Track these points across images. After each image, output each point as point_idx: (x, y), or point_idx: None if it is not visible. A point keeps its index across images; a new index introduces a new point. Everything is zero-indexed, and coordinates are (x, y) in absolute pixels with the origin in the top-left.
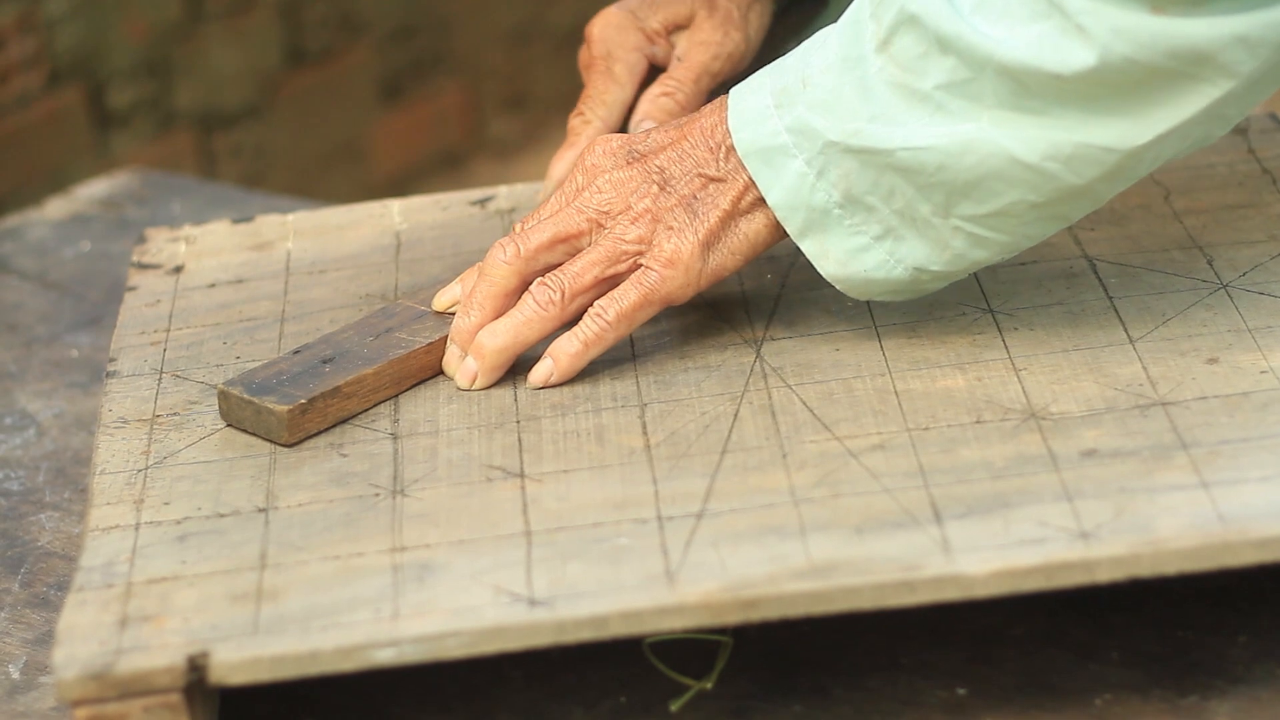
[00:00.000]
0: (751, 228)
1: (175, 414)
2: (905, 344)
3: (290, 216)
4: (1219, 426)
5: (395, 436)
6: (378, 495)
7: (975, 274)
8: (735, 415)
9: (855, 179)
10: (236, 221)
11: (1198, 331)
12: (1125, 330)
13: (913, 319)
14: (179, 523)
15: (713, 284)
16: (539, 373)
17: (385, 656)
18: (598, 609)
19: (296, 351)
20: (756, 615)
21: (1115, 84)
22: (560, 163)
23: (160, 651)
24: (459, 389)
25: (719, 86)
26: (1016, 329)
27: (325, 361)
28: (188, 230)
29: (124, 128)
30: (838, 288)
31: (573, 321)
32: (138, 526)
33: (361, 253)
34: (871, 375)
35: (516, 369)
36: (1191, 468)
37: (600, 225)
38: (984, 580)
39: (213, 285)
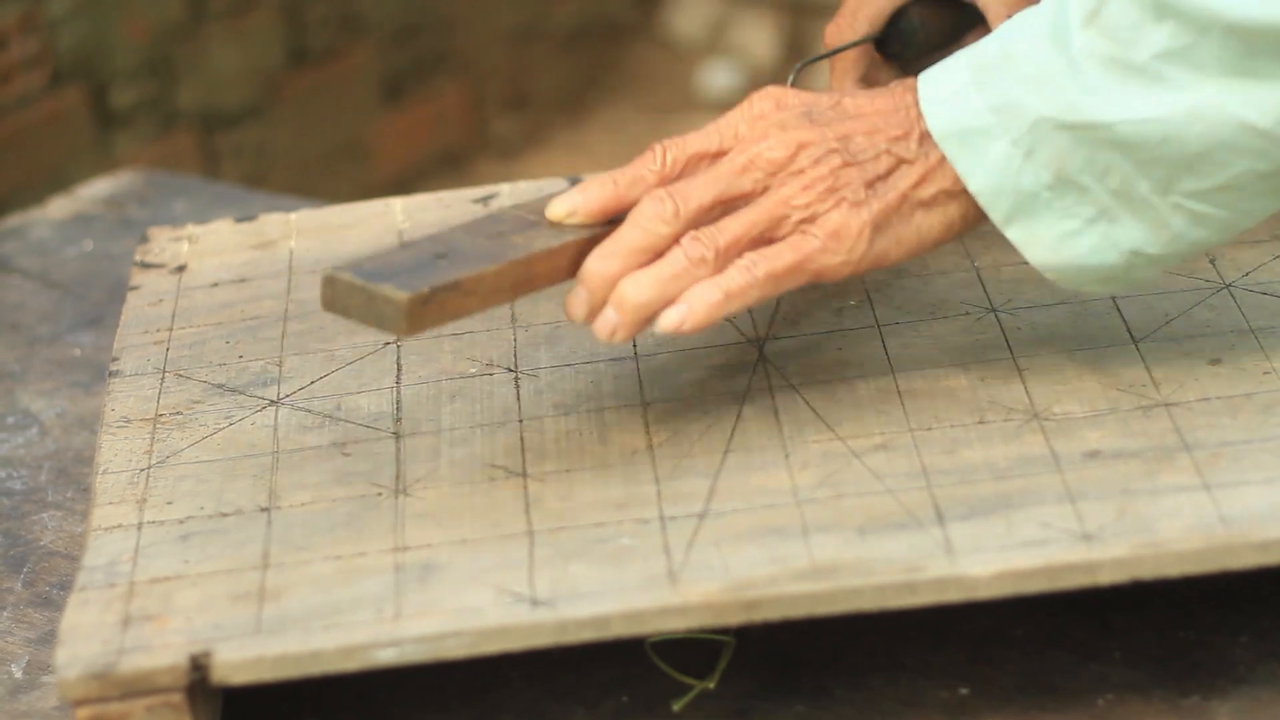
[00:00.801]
0: (928, 221)
1: (178, 413)
2: (908, 344)
3: (293, 215)
4: (1222, 428)
5: (398, 435)
6: (380, 495)
7: (978, 273)
8: (738, 415)
9: (1068, 157)
10: (239, 220)
11: (1201, 332)
12: (1128, 330)
13: (916, 319)
14: (181, 522)
15: (871, 270)
16: (671, 318)
17: (387, 656)
18: (600, 609)
19: (403, 246)
20: (759, 616)
21: None
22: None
23: (162, 651)
24: (597, 338)
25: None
26: (1019, 329)
27: (439, 256)
28: (190, 229)
29: (126, 127)
30: (1047, 276)
31: None
32: (140, 526)
33: (364, 251)
34: (874, 375)
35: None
36: (1194, 469)
37: (766, 186)
38: (986, 582)
39: (215, 284)
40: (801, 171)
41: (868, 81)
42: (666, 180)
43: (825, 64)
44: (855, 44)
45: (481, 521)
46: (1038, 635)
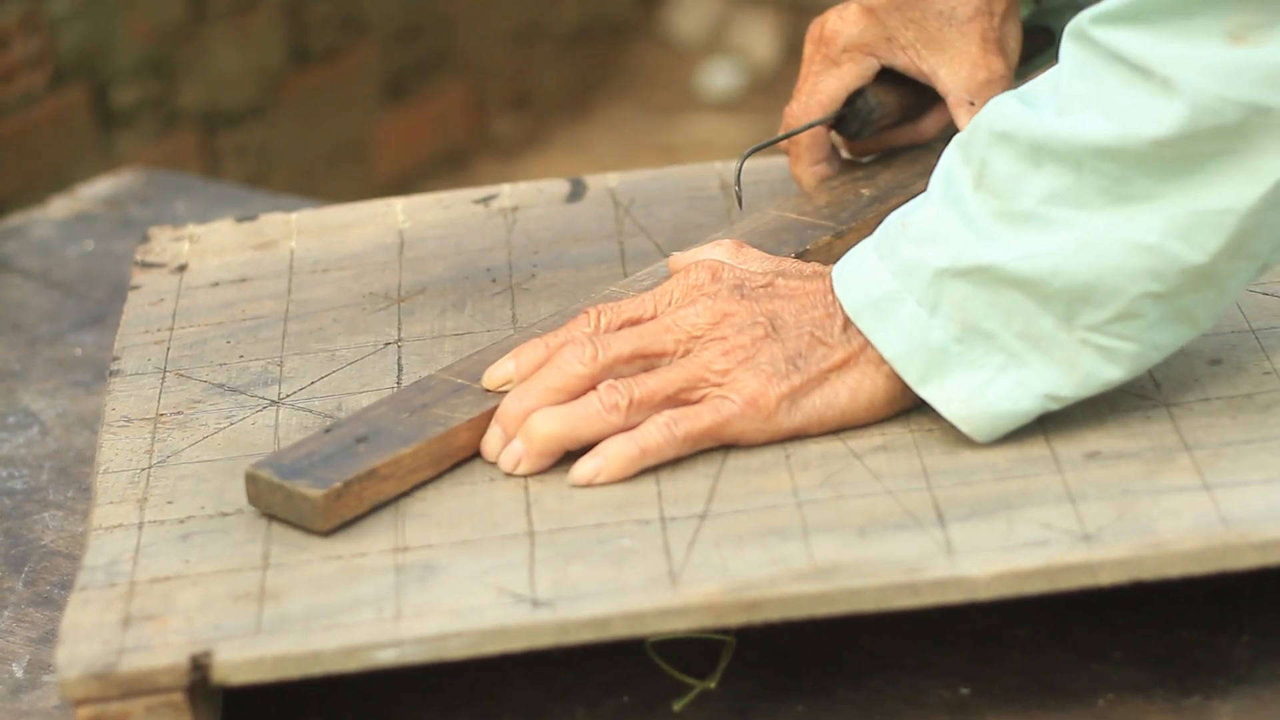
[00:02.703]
0: (851, 402)
1: (179, 413)
2: None
3: (294, 215)
4: (1222, 428)
5: None
6: None
7: None
8: None
9: (971, 304)
10: (240, 220)
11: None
12: None
13: None
14: (182, 522)
15: (787, 440)
16: (584, 470)
17: (387, 657)
18: (600, 610)
19: (327, 430)
20: (759, 617)
21: (1213, 134)
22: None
23: (163, 651)
24: (502, 470)
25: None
26: None
27: (360, 440)
28: (191, 229)
29: (128, 127)
30: (964, 429)
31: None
32: (141, 525)
33: (365, 251)
34: None
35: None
36: (1194, 470)
37: (688, 349)
38: (986, 582)
39: (216, 284)
40: (724, 338)
41: (830, 163)
42: None
43: (780, 136)
44: (810, 126)
45: (482, 522)
46: (1039, 634)
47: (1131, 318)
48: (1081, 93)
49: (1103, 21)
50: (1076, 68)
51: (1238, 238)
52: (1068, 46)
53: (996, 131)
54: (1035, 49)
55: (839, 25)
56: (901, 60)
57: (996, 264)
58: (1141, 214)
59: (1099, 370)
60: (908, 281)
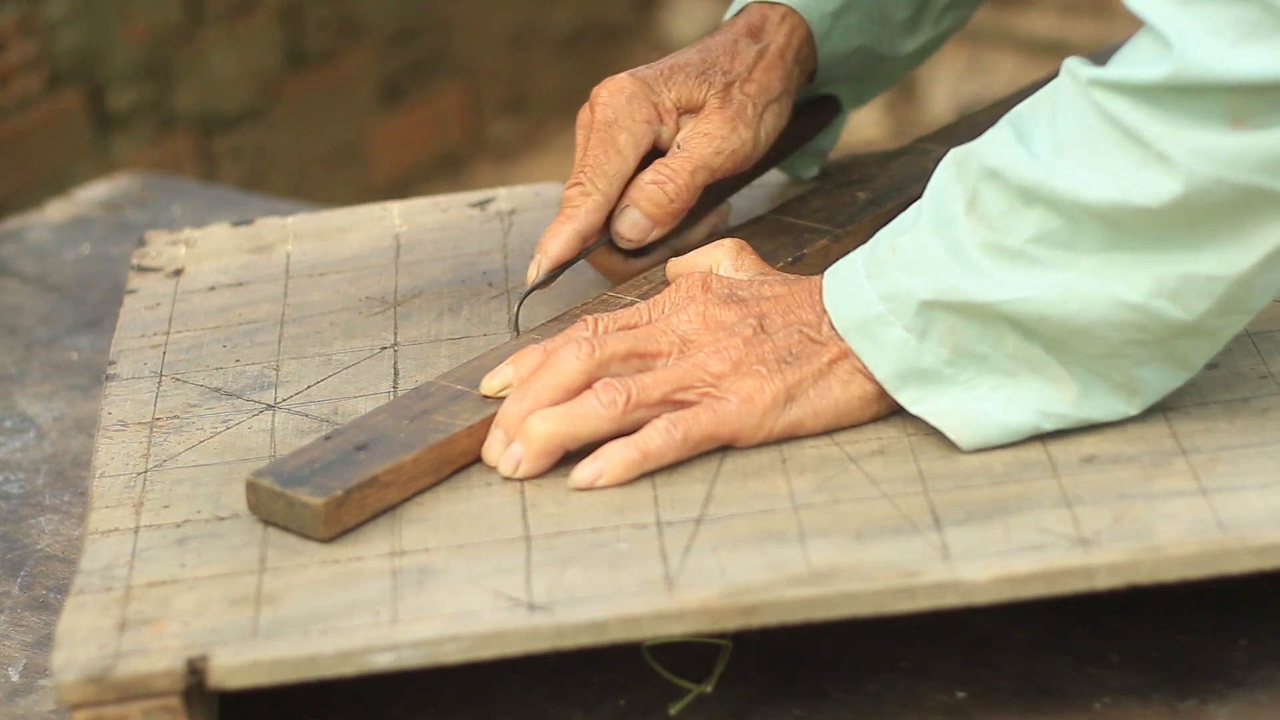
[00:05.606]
0: (845, 396)
1: (175, 417)
2: None
3: (290, 219)
4: (1219, 432)
5: None
6: None
7: None
8: None
9: (961, 332)
10: (236, 224)
11: None
12: None
13: None
14: (178, 526)
15: (784, 438)
16: (585, 473)
17: (384, 661)
18: (597, 614)
19: (327, 437)
20: (755, 621)
21: (1208, 209)
22: (556, 238)
23: (159, 655)
24: (502, 476)
25: (717, 183)
26: None
27: (360, 448)
28: (188, 233)
29: (124, 130)
30: (961, 445)
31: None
32: (137, 530)
33: (361, 255)
34: None
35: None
36: (1191, 474)
37: (682, 351)
38: (983, 587)
39: (212, 288)
40: (716, 340)
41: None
42: None
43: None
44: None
45: (478, 526)
46: (1035, 638)
47: (1119, 357)
48: (1076, 142)
49: (1102, 87)
50: (1073, 114)
51: (1226, 301)
52: (1066, 85)
53: (989, 166)
54: (824, 120)
55: (612, 96)
56: (668, 133)
57: (985, 303)
58: (1130, 268)
59: (1090, 390)
60: (895, 307)
